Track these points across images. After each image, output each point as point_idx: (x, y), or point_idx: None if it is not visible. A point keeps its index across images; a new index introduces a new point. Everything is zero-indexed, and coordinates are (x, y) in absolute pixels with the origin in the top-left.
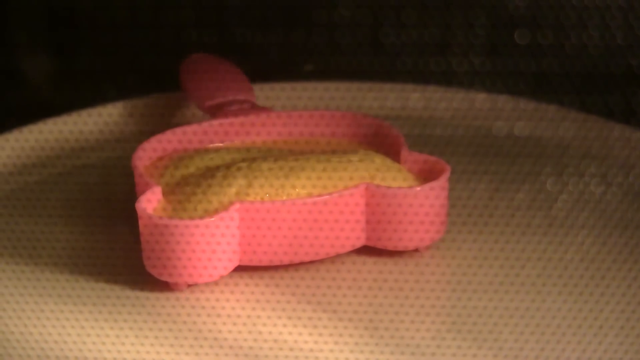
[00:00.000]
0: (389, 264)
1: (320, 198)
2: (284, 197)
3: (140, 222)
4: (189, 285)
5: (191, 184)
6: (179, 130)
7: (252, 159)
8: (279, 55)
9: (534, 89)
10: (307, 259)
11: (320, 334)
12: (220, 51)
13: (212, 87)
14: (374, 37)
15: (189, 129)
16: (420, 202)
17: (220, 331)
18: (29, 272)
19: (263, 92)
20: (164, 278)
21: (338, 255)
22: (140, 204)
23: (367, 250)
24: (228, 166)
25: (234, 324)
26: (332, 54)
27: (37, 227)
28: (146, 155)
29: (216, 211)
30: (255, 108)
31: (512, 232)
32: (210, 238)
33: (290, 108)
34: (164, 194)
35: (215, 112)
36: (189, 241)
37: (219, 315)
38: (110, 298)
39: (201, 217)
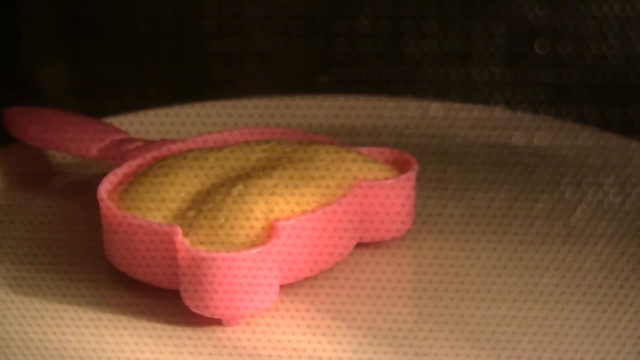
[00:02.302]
0: (402, 265)
1: (341, 203)
2: (308, 209)
3: (185, 257)
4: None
5: (208, 217)
6: (134, 163)
7: (235, 178)
8: (299, 65)
9: (554, 99)
10: (326, 267)
11: (339, 342)
12: (241, 60)
13: (85, 131)
14: (395, 47)
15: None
16: (407, 190)
17: (239, 339)
18: (48, 280)
19: (284, 102)
20: (216, 315)
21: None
22: (182, 239)
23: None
24: (222, 191)
25: (253, 332)
26: (352, 63)
27: (57, 235)
28: (110, 188)
29: (258, 237)
30: (149, 141)
31: (531, 241)
32: (268, 264)
33: (309, 120)
34: None
35: (111, 154)
36: (252, 272)
37: (238, 323)
38: (130, 306)
39: (247, 247)
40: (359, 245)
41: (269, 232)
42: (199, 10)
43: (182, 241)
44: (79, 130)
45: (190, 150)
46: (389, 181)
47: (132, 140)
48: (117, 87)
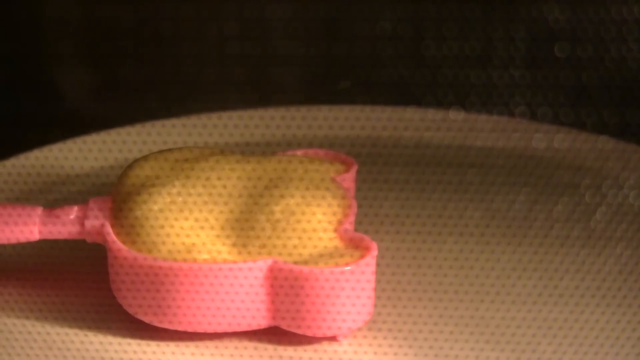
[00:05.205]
0: (423, 267)
1: (354, 199)
2: (345, 212)
3: (302, 283)
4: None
5: (279, 244)
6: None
7: (252, 204)
8: (320, 68)
9: (574, 102)
10: None
11: (360, 344)
12: (262, 63)
13: (11, 216)
14: (416, 50)
15: None
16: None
17: (266, 348)
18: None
19: (305, 112)
20: (338, 331)
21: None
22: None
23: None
24: (264, 213)
25: (274, 334)
26: (372, 66)
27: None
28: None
29: (337, 248)
30: (82, 205)
31: (551, 243)
32: (373, 270)
33: (330, 122)
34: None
35: (56, 229)
36: (364, 282)
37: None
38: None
39: (337, 260)
40: None
41: (342, 240)
42: (220, 13)
43: (299, 267)
44: (6, 216)
45: (161, 182)
46: (353, 171)
47: (58, 210)
48: (139, 91)
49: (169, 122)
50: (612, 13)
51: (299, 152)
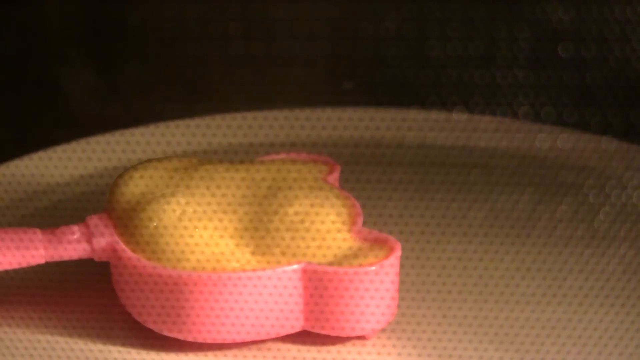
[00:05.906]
0: (427, 267)
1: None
2: (351, 211)
3: (336, 283)
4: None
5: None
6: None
7: (259, 210)
8: (324, 68)
9: (577, 102)
10: None
11: (364, 345)
12: (266, 63)
13: (15, 241)
14: (419, 50)
15: None
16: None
17: (279, 349)
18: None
19: (308, 112)
20: (353, 333)
21: None
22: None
23: None
24: (276, 214)
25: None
26: (376, 66)
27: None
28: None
29: (351, 248)
30: (82, 224)
31: (555, 243)
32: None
33: (335, 122)
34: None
35: (62, 250)
36: (394, 278)
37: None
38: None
39: (380, 255)
40: None
41: (360, 239)
42: (224, 13)
43: (332, 268)
44: (9, 242)
45: (170, 192)
46: (337, 172)
47: (58, 231)
48: (143, 92)
49: (173, 124)
50: (616, 13)
51: (279, 156)
